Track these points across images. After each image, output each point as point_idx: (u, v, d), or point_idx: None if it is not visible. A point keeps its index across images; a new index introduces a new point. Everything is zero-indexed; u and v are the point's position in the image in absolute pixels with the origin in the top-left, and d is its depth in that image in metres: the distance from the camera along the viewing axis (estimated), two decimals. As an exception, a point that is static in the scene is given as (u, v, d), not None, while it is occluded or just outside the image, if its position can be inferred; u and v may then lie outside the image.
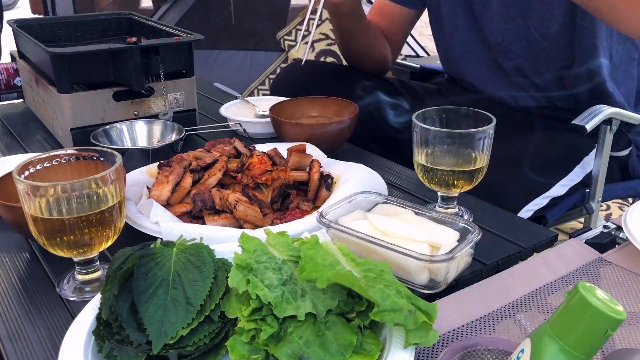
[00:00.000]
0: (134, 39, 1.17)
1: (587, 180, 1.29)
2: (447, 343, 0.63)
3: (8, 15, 1.86)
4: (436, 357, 0.61)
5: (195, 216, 0.86)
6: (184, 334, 0.57)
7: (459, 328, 0.65)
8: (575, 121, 1.17)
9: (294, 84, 1.50)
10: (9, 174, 0.83)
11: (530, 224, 0.91)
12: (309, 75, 1.51)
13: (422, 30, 5.56)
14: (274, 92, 1.53)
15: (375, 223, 0.78)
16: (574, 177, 1.27)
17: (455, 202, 0.90)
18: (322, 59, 2.96)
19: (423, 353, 0.61)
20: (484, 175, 0.87)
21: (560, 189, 1.24)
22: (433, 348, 0.62)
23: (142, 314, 0.58)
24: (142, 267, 0.62)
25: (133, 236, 0.83)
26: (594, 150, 1.29)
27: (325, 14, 2.85)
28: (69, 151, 0.75)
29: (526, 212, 1.18)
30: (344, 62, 1.61)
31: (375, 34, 1.49)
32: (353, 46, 1.50)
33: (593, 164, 1.29)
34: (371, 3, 2.95)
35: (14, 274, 0.78)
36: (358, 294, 0.57)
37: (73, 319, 0.62)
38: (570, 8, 1.21)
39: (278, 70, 3.01)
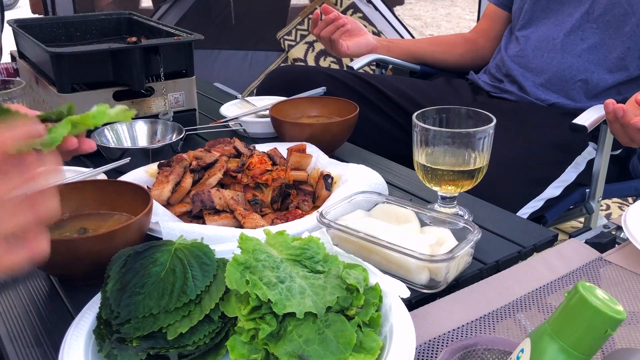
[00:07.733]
0: (134, 39, 1.17)
1: (583, 180, 1.29)
2: (447, 343, 0.63)
3: (8, 15, 1.86)
4: (436, 357, 0.61)
5: (195, 216, 0.86)
6: (163, 321, 0.58)
7: (459, 328, 0.65)
8: (576, 121, 1.17)
9: (283, 87, 1.47)
10: None
11: (530, 224, 0.91)
12: (296, 80, 1.49)
13: (422, 30, 5.56)
14: (260, 94, 1.51)
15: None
16: (567, 177, 1.26)
17: (455, 202, 0.90)
18: (321, 59, 2.95)
19: (423, 353, 0.62)
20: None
21: (554, 190, 1.24)
22: (433, 348, 0.62)
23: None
24: (137, 263, 0.63)
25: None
26: (586, 149, 1.28)
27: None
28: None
29: (522, 215, 1.17)
30: (344, 65, 1.60)
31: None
32: None
33: (586, 163, 1.28)
34: (371, 3, 2.97)
35: (14, 274, 0.78)
36: (356, 288, 0.58)
37: (73, 318, 0.62)
38: None
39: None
